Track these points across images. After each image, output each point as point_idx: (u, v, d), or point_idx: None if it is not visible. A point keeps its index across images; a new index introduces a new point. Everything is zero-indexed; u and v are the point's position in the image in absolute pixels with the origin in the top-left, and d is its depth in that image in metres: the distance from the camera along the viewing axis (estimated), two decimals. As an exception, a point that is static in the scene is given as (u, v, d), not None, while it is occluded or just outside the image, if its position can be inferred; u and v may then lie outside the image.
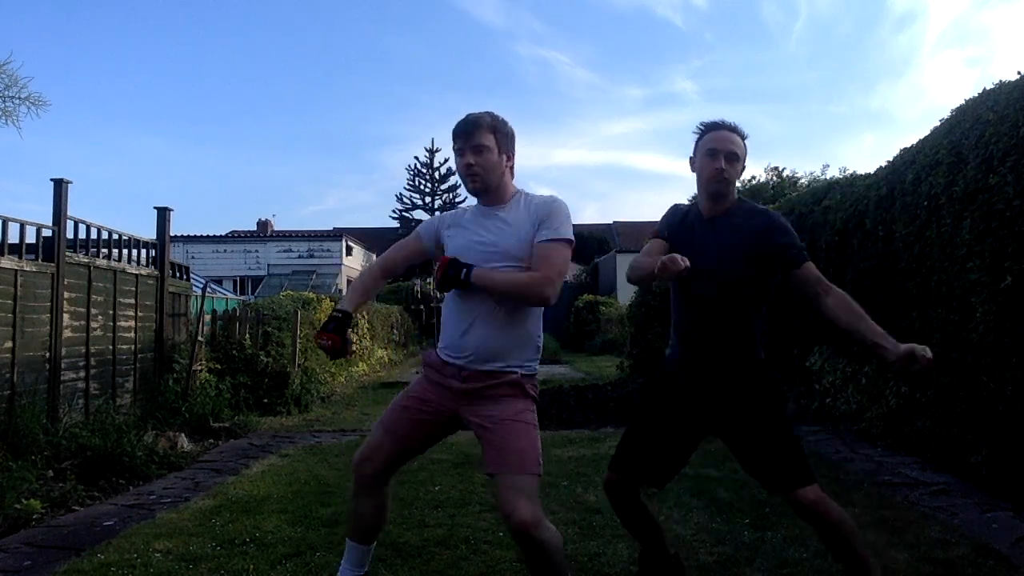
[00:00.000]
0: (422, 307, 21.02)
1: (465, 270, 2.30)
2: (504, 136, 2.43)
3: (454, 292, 2.41)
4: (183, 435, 6.23)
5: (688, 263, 2.28)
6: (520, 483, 2.21)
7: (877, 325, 2.33)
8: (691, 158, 2.66)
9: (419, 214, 38.30)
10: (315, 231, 29.24)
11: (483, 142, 2.38)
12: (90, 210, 38.12)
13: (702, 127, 2.63)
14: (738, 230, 2.52)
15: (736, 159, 2.55)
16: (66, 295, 5.91)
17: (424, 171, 39.22)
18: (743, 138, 2.60)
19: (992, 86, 4.59)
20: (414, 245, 2.60)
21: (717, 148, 2.54)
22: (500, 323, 2.35)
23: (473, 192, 2.44)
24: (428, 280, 21.37)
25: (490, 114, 2.43)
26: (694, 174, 2.65)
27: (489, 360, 2.36)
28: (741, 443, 2.52)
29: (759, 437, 2.46)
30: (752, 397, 2.49)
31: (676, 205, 2.78)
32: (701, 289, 2.53)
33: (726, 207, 2.59)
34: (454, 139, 2.43)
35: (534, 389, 2.45)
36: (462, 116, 2.44)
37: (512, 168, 2.48)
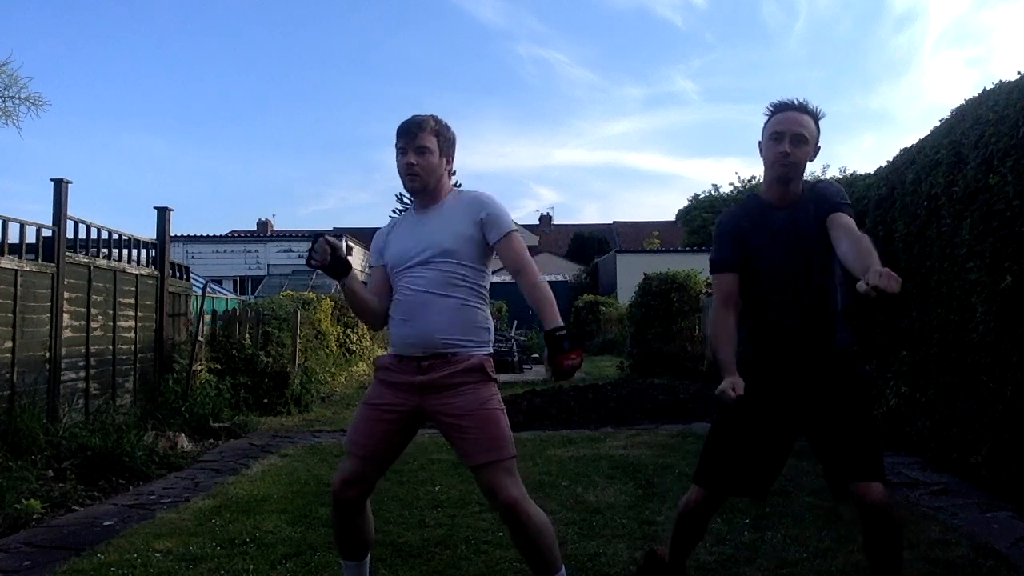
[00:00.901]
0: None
1: (565, 335, 2.31)
2: (446, 140, 2.53)
3: (401, 292, 2.47)
4: (183, 435, 6.23)
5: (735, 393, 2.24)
6: (502, 467, 2.30)
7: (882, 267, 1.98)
8: (759, 143, 2.51)
9: (419, 214, 38.29)
10: (315, 231, 29.22)
11: (426, 144, 2.46)
12: (90, 210, 38.13)
13: (770, 108, 2.47)
14: (807, 208, 2.40)
15: (804, 141, 2.38)
16: (66, 295, 5.91)
17: (424, 171, 39.20)
18: (815, 118, 2.43)
19: (992, 86, 4.58)
20: (380, 275, 2.62)
21: (782, 131, 2.38)
22: (449, 312, 2.40)
23: (411, 191, 2.52)
24: None
25: (434, 118, 2.52)
26: (762, 158, 2.50)
27: (444, 343, 2.38)
28: (826, 434, 2.37)
29: (842, 426, 2.32)
30: (840, 387, 2.36)
31: (728, 215, 2.60)
32: (781, 279, 2.41)
33: (796, 195, 2.45)
34: (397, 138, 2.51)
35: (493, 370, 2.46)
36: (405, 121, 2.52)
37: (450, 172, 2.60)
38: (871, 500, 2.21)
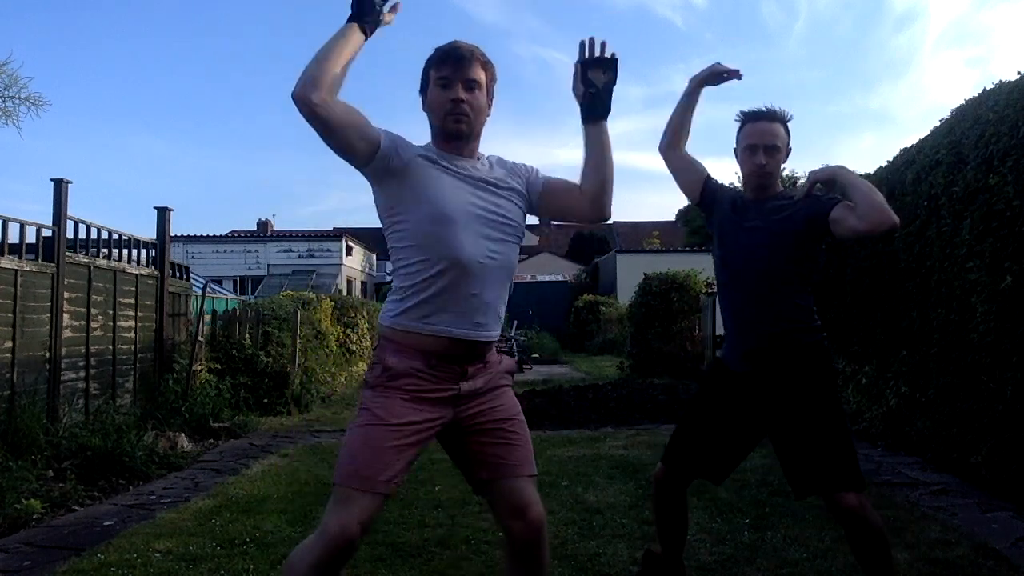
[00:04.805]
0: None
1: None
2: (493, 79, 2.04)
3: (453, 265, 1.90)
4: (183, 435, 6.23)
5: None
6: (534, 481, 2.06)
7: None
8: (735, 148, 2.63)
9: (419, 214, 38.25)
10: (315, 231, 29.21)
11: (477, 77, 1.97)
12: (90, 210, 38.16)
13: (741, 116, 2.59)
14: (784, 208, 2.49)
15: (776, 151, 2.52)
16: (66, 295, 5.90)
17: (424, 171, 39.16)
18: (784, 122, 2.56)
19: (992, 86, 4.58)
20: (369, 132, 1.89)
21: (756, 143, 2.50)
22: (502, 305, 2.04)
23: (454, 135, 1.97)
24: None
25: (477, 47, 2.02)
26: (738, 164, 2.63)
27: (495, 329, 2.02)
28: (793, 437, 2.42)
29: (814, 432, 2.37)
30: (811, 386, 2.42)
31: (732, 189, 2.78)
32: (753, 271, 2.49)
33: (772, 194, 2.57)
34: (438, 66, 1.97)
35: None
36: (447, 46, 1.99)
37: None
38: (845, 506, 2.29)
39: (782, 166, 2.60)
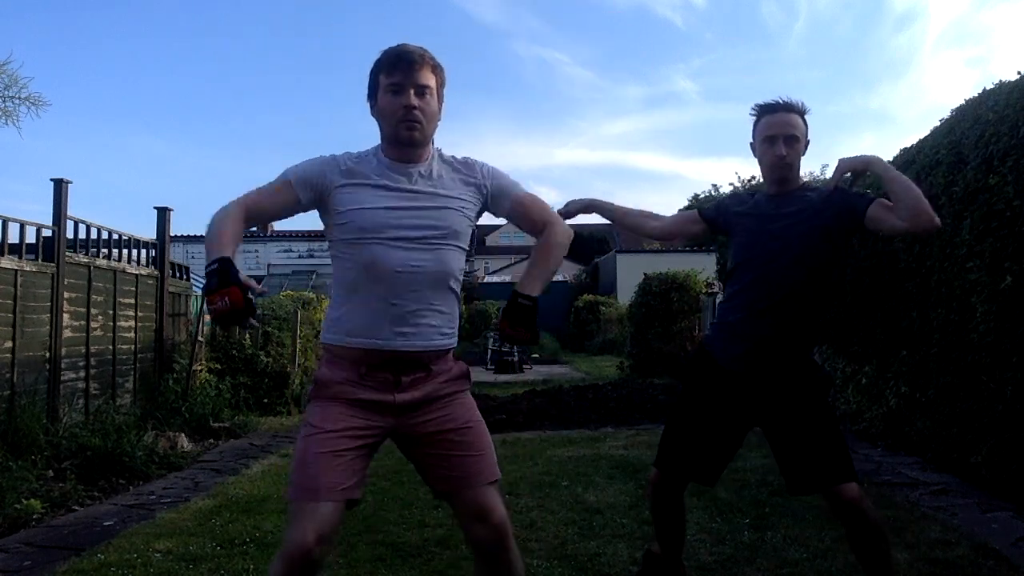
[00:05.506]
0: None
1: (527, 301, 1.96)
2: (443, 83, 2.01)
3: (385, 269, 1.90)
4: (183, 435, 6.23)
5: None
6: (495, 486, 1.98)
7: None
8: (751, 143, 2.57)
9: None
10: (315, 231, 29.12)
11: (428, 82, 1.93)
12: (90, 210, 38.18)
13: (757, 110, 2.52)
14: (810, 202, 2.44)
15: (796, 141, 2.46)
16: (66, 295, 5.90)
17: (424, 171, 39.16)
18: (802, 114, 2.49)
19: (992, 86, 4.58)
20: (285, 197, 1.95)
21: (775, 134, 2.45)
22: (448, 312, 2.01)
23: (407, 143, 1.94)
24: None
25: (427, 50, 1.97)
26: (756, 159, 2.57)
27: (434, 350, 1.96)
28: (789, 435, 2.42)
29: (810, 429, 2.37)
30: (806, 389, 2.43)
31: (738, 194, 2.74)
32: (781, 269, 2.42)
33: (794, 188, 2.52)
34: (388, 71, 1.92)
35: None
36: (396, 49, 1.94)
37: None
38: (846, 498, 2.27)
39: (804, 156, 2.54)
